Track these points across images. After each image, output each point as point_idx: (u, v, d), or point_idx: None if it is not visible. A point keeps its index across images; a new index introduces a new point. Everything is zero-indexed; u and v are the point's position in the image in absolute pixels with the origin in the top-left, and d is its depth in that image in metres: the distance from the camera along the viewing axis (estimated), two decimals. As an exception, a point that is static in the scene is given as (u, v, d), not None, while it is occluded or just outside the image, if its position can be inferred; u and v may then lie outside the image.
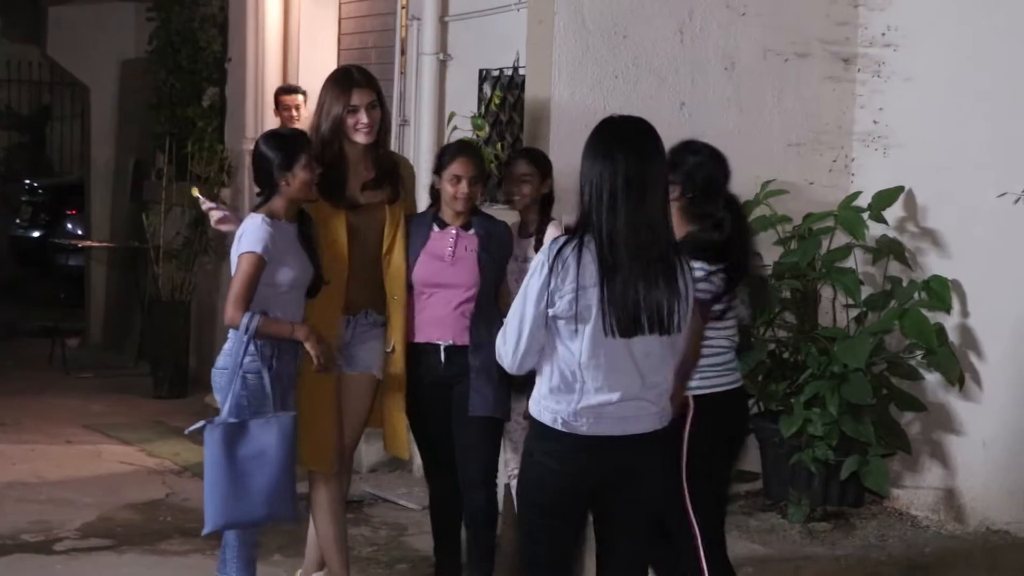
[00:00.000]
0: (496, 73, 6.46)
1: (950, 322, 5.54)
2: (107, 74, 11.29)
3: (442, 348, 4.79)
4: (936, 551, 5.18)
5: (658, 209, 3.50)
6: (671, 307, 3.51)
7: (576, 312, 3.48)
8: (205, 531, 4.52)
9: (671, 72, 5.69)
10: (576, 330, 3.49)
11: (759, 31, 5.85)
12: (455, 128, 6.45)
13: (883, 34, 5.95)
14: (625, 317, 3.46)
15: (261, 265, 4.42)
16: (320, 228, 4.76)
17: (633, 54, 5.62)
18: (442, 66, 6.78)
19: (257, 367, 4.45)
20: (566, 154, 5.50)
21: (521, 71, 6.13)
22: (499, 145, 6.34)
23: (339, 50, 8.37)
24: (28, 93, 17.79)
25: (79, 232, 12.94)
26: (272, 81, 8.40)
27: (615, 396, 3.51)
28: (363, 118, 4.79)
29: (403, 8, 7.13)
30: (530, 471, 3.64)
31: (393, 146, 7.11)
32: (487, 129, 6.38)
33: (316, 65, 7.87)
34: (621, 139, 3.54)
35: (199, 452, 7.54)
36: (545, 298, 3.49)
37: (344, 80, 4.86)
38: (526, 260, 4.92)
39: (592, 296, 3.47)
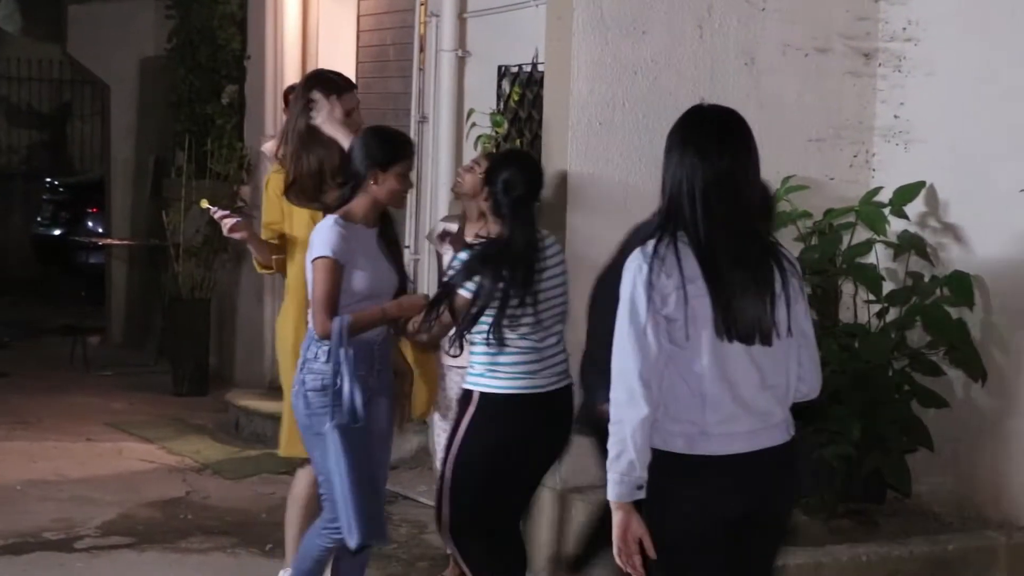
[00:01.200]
0: (515, 69, 6.46)
1: (973, 318, 5.51)
2: (127, 72, 11.32)
3: None
4: (958, 548, 5.16)
5: (753, 208, 3.26)
6: (773, 313, 3.22)
7: (688, 313, 3.16)
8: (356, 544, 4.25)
9: (690, 68, 5.67)
10: (689, 336, 3.17)
11: (779, 26, 5.83)
12: (474, 125, 6.45)
13: (904, 28, 5.93)
14: (735, 324, 3.17)
15: (337, 269, 4.19)
16: (300, 231, 4.77)
17: (652, 50, 5.61)
18: (461, 63, 6.79)
19: (320, 384, 4.23)
20: (585, 150, 5.51)
21: (540, 67, 6.13)
22: (518, 142, 6.34)
23: (357, 47, 8.38)
24: (49, 91, 17.82)
25: (99, 230, 12.98)
26: (291, 79, 8.39)
27: (742, 408, 3.21)
28: (357, 119, 4.83)
29: (422, 5, 7.14)
30: (667, 511, 3.21)
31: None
32: (506, 126, 6.38)
33: (335, 63, 7.87)
34: (714, 132, 3.25)
35: (219, 450, 7.66)
36: (654, 297, 3.14)
37: (334, 87, 4.84)
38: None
39: (701, 291, 3.17)
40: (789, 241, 5.74)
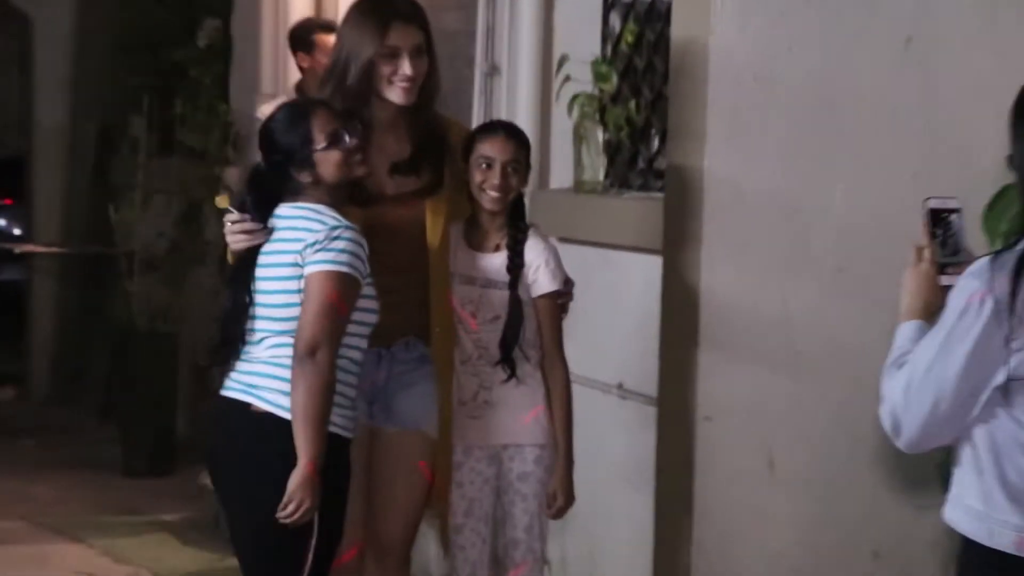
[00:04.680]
0: (629, -2, 6.53)
1: None
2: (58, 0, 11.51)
3: None
4: None
5: None
6: None
7: None
8: None
9: (891, -8, 5.69)
10: None
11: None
12: (567, 79, 6.51)
13: None
14: None
15: None
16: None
17: (835, -34, 5.64)
18: (549, -12, 6.87)
19: None
20: (729, 116, 5.54)
21: (666, -6, 6.18)
22: (632, 104, 6.39)
23: (398, -36, 8.47)
24: (-57, 28, 18.15)
25: (16, 231, 13.18)
26: (299, 11, 8.50)
27: None
28: (404, 67, 4.89)
29: (493, -97, 7.22)
30: None
31: (477, 103, 7.23)
32: (615, 80, 6.44)
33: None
34: None
35: (191, 557, 7.70)
36: (991, 352, 3.27)
37: (380, 9, 4.94)
38: (488, 284, 5.13)
39: None
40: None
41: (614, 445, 6.26)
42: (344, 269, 4.57)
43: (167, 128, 9.62)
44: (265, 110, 8.34)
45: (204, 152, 9.33)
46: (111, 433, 9.78)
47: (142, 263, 9.51)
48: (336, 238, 4.59)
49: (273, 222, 4.71)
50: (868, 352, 5.53)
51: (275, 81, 8.70)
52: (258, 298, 4.69)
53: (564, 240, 6.33)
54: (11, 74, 16.22)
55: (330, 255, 4.57)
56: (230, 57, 9.44)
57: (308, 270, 4.59)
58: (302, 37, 7.85)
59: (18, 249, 11.85)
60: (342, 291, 4.57)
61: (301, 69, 7.80)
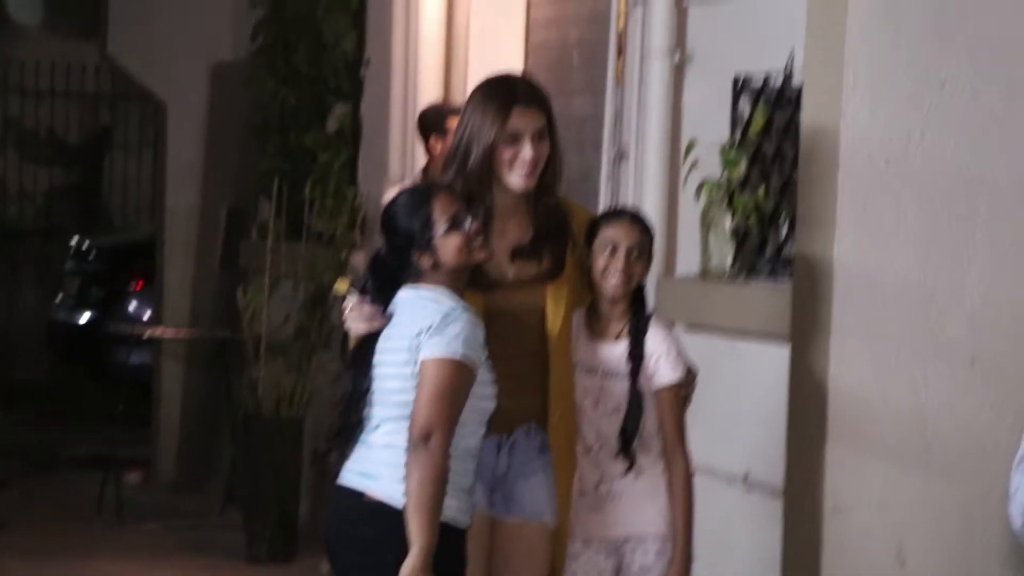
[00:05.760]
0: (759, 82, 6.50)
1: None
2: (192, 84, 11.61)
3: None
4: None
5: None
6: None
7: None
8: None
9: (1029, 79, 5.63)
10: None
11: None
12: (695, 163, 6.49)
13: None
14: None
15: None
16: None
17: (971, 51, 5.57)
18: (678, 72, 6.84)
19: None
20: (863, 205, 5.50)
21: (797, 79, 6.15)
22: (761, 190, 6.36)
23: (527, 48, 8.49)
24: (79, 111, 18.30)
25: (146, 316, 13.31)
26: (429, 94, 8.54)
27: None
28: (526, 151, 4.91)
29: (622, -13, 7.24)
30: None
31: (604, 188, 7.22)
32: (744, 166, 6.41)
33: (493, 71, 8.02)
34: None
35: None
36: None
37: (502, 93, 4.98)
38: (608, 375, 5.08)
39: None
40: None
41: (739, 538, 6.21)
42: (458, 357, 4.59)
43: (296, 212, 9.67)
44: (390, 194, 8.43)
45: (332, 236, 9.39)
46: (235, 519, 9.81)
47: (268, 347, 9.55)
48: (451, 323, 4.61)
49: (393, 306, 4.74)
50: (1002, 445, 5.46)
51: (403, 165, 8.75)
52: (375, 383, 4.71)
53: (691, 327, 6.32)
54: (145, 158, 16.48)
55: (444, 340, 4.59)
56: (359, 140, 9.50)
57: (422, 356, 4.61)
58: (435, 121, 7.89)
59: (148, 333, 11.94)
60: (456, 378, 4.58)
61: (430, 153, 7.84)
